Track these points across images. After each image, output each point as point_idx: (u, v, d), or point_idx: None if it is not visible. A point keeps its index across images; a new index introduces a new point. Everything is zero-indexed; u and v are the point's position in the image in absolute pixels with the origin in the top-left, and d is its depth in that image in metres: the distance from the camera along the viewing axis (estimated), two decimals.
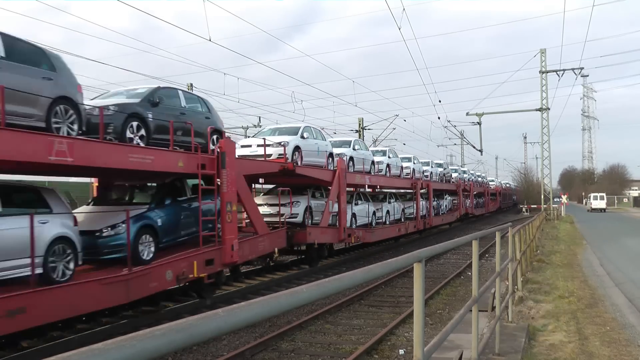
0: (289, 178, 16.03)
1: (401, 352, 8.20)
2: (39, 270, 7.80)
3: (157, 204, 10.90)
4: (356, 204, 20.64)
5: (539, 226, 23.15)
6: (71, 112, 8.45)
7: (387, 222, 23.76)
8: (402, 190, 28.44)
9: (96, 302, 8.72)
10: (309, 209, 17.00)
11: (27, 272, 7.64)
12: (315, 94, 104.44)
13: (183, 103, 11.76)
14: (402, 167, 26.59)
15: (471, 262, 6.29)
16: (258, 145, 14.89)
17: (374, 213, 22.32)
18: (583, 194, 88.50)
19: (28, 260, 7.62)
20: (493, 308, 7.14)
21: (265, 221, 14.43)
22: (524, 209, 64.83)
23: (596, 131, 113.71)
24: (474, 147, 45.72)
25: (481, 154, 46.95)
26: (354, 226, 19.73)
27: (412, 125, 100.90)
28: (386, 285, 14.17)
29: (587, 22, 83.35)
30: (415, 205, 27.08)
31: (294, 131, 16.78)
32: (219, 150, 11.87)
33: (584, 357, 6.64)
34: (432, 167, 32.49)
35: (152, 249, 10.26)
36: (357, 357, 7.72)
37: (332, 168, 18.09)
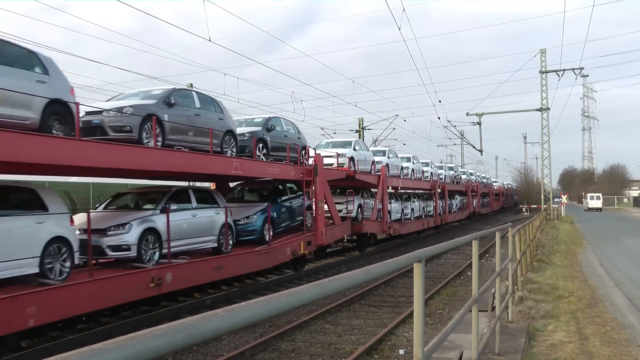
0: (345, 181, 19.55)
1: (401, 352, 8.20)
2: (214, 245, 12.05)
3: (273, 201, 14.68)
4: (390, 203, 23.89)
5: (539, 226, 23.16)
6: (232, 140, 12.67)
7: (412, 218, 27.40)
8: (421, 191, 31.67)
9: (252, 266, 13.18)
10: (361, 206, 20.78)
11: (212, 244, 11.98)
12: (315, 94, 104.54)
13: (285, 127, 15.97)
14: (422, 171, 30.30)
15: (471, 262, 6.29)
16: (323, 156, 17.99)
17: (403, 210, 26.07)
18: (583, 193, 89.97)
19: (211, 237, 11.89)
20: (493, 308, 7.14)
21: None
22: (524, 209, 64.88)
23: (596, 131, 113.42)
24: (474, 147, 45.83)
25: (481, 154, 47.06)
26: (389, 221, 23.21)
27: (412, 125, 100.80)
28: (386, 285, 14.17)
29: (587, 22, 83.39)
30: (433, 204, 30.83)
31: (347, 144, 20.74)
32: (313, 162, 16.02)
33: (584, 357, 6.63)
34: (445, 170, 36.39)
35: (271, 233, 14.10)
36: (357, 357, 7.71)
37: (373, 174, 21.89)
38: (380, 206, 22.01)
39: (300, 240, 15.07)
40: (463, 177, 42.03)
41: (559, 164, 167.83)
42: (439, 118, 73.45)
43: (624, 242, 22.45)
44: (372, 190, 22.40)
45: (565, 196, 55.70)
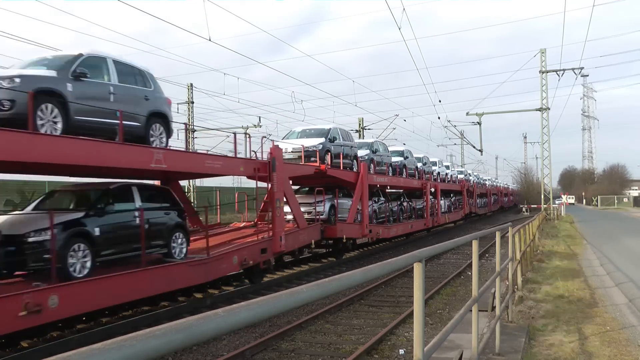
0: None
1: (401, 352, 8.20)
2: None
3: None
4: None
5: (539, 226, 23.16)
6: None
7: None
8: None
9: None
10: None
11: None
12: (316, 94, 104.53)
13: None
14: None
15: (471, 262, 6.29)
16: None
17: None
18: (583, 193, 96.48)
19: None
20: (493, 308, 7.14)
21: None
22: (524, 209, 64.95)
23: (596, 131, 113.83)
24: (474, 147, 45.76)
25: (481, 154, 47.03)
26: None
27: (412, 125, 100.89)
28: (386, 285, 14.16)
29: (588, 23, 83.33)
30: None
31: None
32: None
33: (584, 357, 6.64)
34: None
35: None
36: (357, 357, 7.71)
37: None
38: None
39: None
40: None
41: (559, 164, 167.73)
42: (439, 118, 73.54)
43: (624, 242, 22.43)
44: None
45: (565, 196, 55.82)
